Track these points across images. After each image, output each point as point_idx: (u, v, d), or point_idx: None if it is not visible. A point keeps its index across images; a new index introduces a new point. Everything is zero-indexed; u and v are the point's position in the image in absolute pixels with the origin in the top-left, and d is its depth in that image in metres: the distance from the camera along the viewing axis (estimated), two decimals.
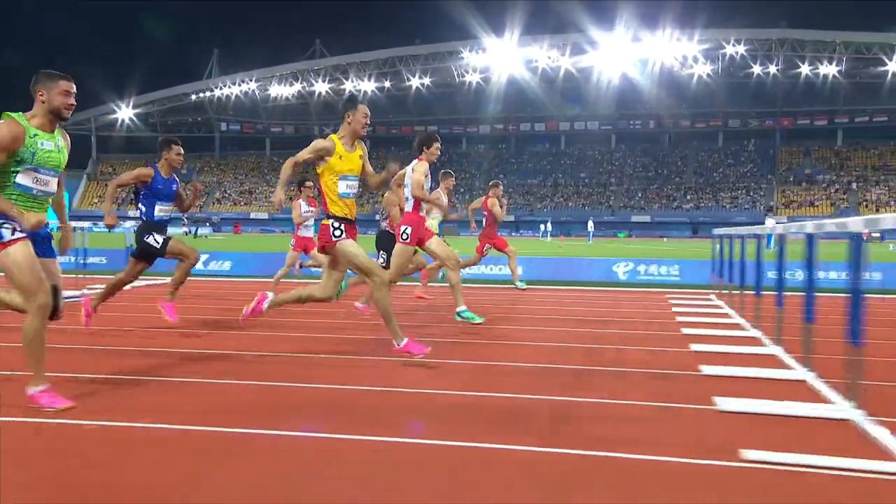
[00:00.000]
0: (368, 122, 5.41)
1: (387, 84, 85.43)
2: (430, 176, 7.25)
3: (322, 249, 5.51)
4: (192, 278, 12.20)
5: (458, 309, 7.54)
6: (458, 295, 7.52)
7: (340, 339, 6.69)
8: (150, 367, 5.16)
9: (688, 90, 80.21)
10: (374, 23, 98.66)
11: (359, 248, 5.41)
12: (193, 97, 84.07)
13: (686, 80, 78.85)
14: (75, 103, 4.15)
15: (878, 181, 72.68)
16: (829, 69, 73.93)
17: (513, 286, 11.87)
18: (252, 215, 74.36)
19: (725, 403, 4.16)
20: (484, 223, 11.20)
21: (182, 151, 6.86)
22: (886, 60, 69.98)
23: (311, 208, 10.06)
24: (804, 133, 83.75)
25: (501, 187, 11.45)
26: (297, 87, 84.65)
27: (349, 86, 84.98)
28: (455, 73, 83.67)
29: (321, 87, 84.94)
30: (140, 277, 7.05)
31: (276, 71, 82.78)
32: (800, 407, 4.13)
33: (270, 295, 5.99)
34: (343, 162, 5.32)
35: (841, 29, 69.92)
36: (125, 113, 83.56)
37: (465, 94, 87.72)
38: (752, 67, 76.21)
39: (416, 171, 7.03)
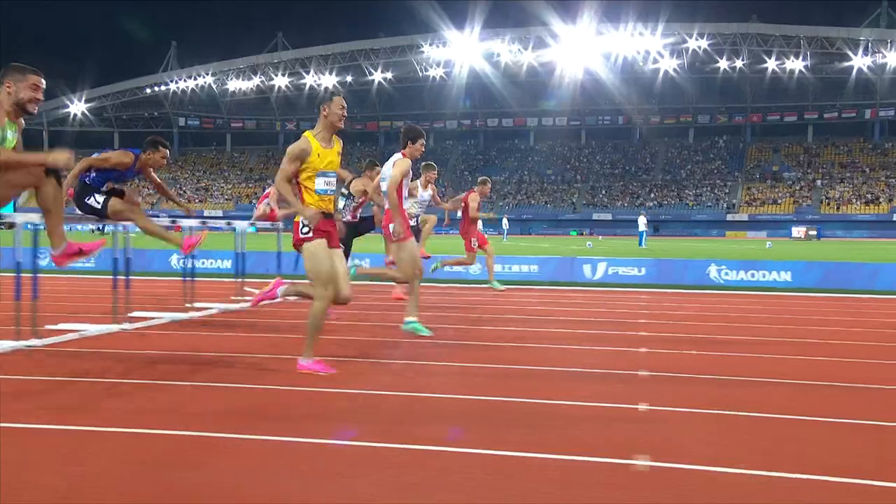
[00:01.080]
0: (345, 113, 5.26)
1: (348, 78, 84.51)
2: (411, 173, 7.07)
3: (296, 245, 5.26)
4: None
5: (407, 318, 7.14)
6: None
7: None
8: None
9: (655, 85, 79.75)
10: (337, 16, 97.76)
11: (325, 253, 5.16)
12: (148, 91, 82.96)
13: (652, 75, 78.31)
14: (42, 98, 4.32)
15: (843, 178, 72.37)
16: (795, 64, 73.54)
17: (489, 285, 11.70)
18: (206, 212, 73.18)
19: None
20: (461, 218, 11.25)
21: (168, 155, 6.77)
22: (851, 55, 69.56)
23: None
24: (775, 129, 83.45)
25: (490, 185, 11.40)
26: (256, 81, 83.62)
27: (310, 80, 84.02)
28: (418, 68, 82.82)
29: (281, 81, 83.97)
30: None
31: (234, 64, 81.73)
32: None
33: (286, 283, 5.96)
34: (321, 159, 5.16)
35: (805, 23, 69.48)
36: (78, 107, 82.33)
37: (430, 90, 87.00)
38: (718, 62, 75.67)
39: (396, 167, 6.84)
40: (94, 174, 6.63)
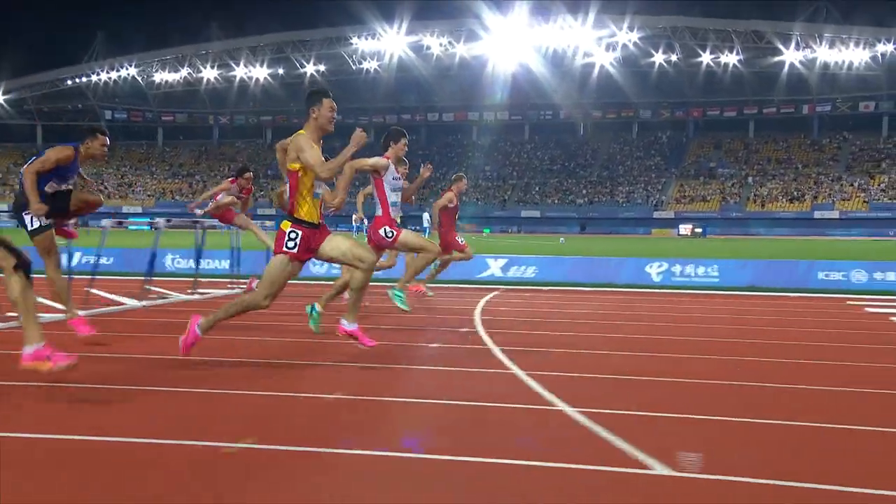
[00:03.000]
0: (335, 115, 5.19)
1: (280, 71, 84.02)
2: (392, 169, 7.24)
3: (277, 253, 5.18)
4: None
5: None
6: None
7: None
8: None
9: (591, 80, 79.71)
10: (272, 7, 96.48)
11: (288, 269, 5.12)
12: (70, 83, 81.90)
13: (588, 69, 78.36)
14: None
15: (776, 175, 72.91)
16: (730, 58, 73.86)
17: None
18: (125, 209, 72.49)
19: None
20: (440, 222, 10.93)
21: (107, 143, 6.35)
22: (783, 49, 69.98)
23: (243, 196, 10.27)
24: (718, 125, 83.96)
25: (465, 182, 11.11)
26: (184, 73, 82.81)
27: (240, 72, 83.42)
28: (350, 61, 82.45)
29: (210, 73, 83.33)
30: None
31: (159, 55, 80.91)
32: None
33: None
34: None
35: (736, 18, 69.83)
36: None
37: (366, 83, 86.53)
38: (653, 56, 75.84)
39: (373, 158, 7.02)
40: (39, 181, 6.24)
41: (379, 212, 7.25)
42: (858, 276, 12.65)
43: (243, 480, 3.02)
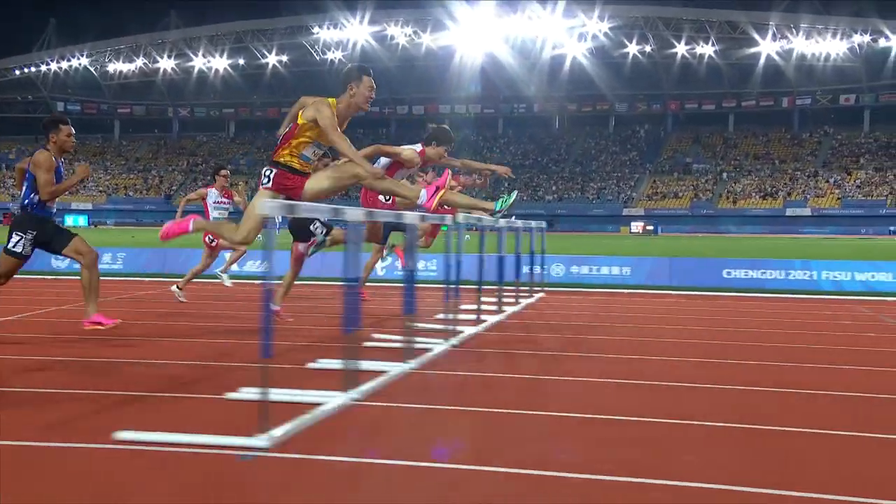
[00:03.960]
0: (374, 95, 5.26)
1: (241, 61, 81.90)
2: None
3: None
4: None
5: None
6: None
7: None
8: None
9: (567, 71, 77.78)
10: None
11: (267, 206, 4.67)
12: (18, 73, 79.42)
13: (559, 60, 76.38)
14: None
15: (752, 171, 71.07)
16: (705, 49, 71.94)
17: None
18: (73, 205, 70.14)
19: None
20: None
21: (73, 132, 6.13)
22: (759, 39, 68.10)
23: (225, 200, 9.77)
24: (697, 118, 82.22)
25: (461, 177, 10.60)
26: (139, 63, 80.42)
27: (199, 62, 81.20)
28: (313, 51, 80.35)
29: (167, 63, 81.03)
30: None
31: (113, 44, 78.57)
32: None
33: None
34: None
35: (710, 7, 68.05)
36: None
37: (331, 74, 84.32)
38: (627, 47, 73.88)
39: (405, 151, 6.87)
40: (35, 195, 5.98)
41: (388, 200, 7.06)
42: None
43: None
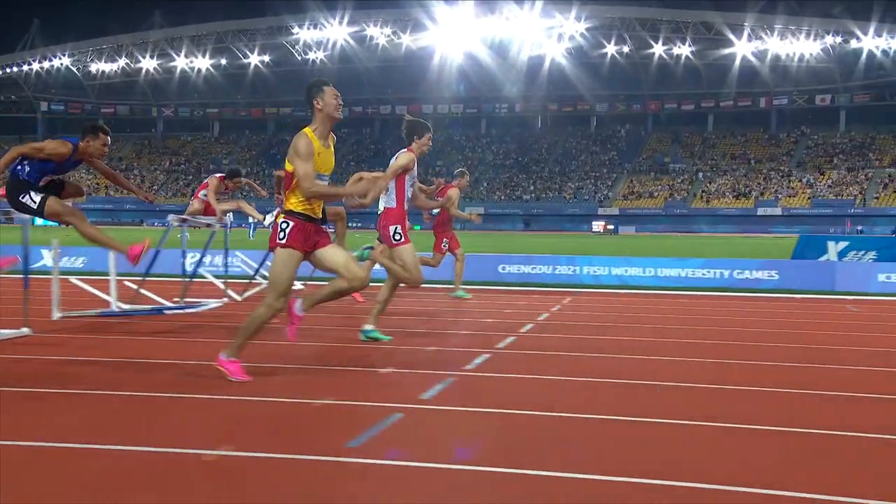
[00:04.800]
0: (341, 102, 5.09)
1: (223, 61, 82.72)
2: (415, 169, 6.84)
3: (271, 248, 5.33)
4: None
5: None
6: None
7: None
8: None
9: (546, 72, 78.67)
10: None
11: (293, 264, 5.03)
12: (1, 73, 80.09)
13: (538, 61, 77.29)
14: None
15: (727, 170, 72.04)
16: (682, 49, 72.88)
17: (453, 294, 10.80)
18: None
19: None
20: (438, 214, 10.37)
21: (108, 143, 6.45)
22: (734, 40, 69.06)
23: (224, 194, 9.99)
24: (678, 118, 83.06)
25: (468, 178, 10.67)
26: (121, 62, 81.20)
27: (181, 62, 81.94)
28: (294, 52, 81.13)
29: (149, 63, 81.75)
30: None
31: (94, 44, 79.32)
32: None
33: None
34: (320, 159, 5.05)
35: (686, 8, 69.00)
36: None
37: (313, 75, 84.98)
38: (605, 48, 74.79)
39: (399, 158, 6.71)
40: (27, 167, 6.32)
41: (392, 204, 6.78)
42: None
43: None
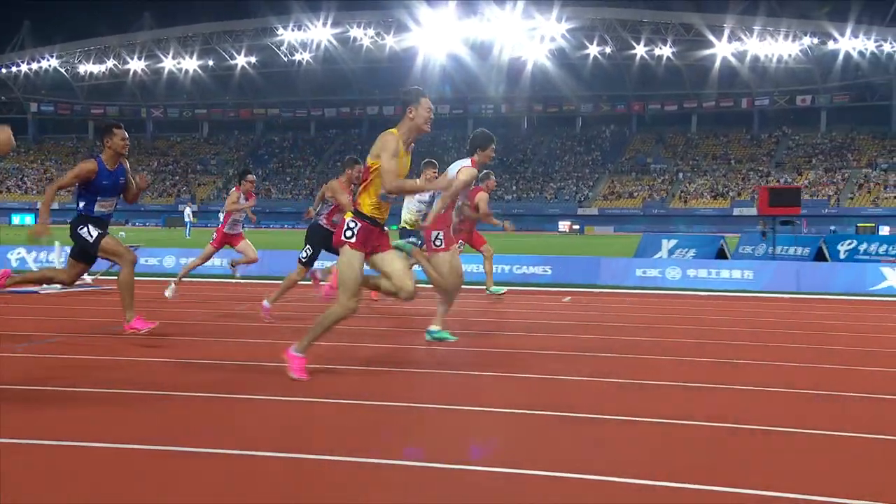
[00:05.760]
0: (432, 116, 5.23)
1: (210, 62, 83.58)
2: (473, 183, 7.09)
3: (336, 244, 5.32)
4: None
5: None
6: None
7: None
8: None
9: (529, 73, 79.46)
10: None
11: (359, 264, 5.16)
12: None
13: (522, 62, 78.06)
14: None
15: (708, 170, 72.80)
16: (664, 51, 73.67)
17: (486, 291, 10.99)
18: (40, 204, 71.78)
19: None
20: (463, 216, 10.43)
21: (126, 136, 6.49)
22: (714, 41, 69.85)
23: (246, 202, 10.10)
24: (662, 119, 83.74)
25: (494, 179, 10.61)
26: (109, 63, 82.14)
27: (169, 63, 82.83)
28: (280, 53, 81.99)
29: (137, 64, 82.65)
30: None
31: (82, 46, 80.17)
32: None
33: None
34: (399, 163, 5.11)
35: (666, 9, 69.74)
36: None
37: (300, 76, 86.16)
38: (587, 49, 75.58)
39: (462, 174, 6.72)
40: (81, 200, 6.48)
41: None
42: None
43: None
